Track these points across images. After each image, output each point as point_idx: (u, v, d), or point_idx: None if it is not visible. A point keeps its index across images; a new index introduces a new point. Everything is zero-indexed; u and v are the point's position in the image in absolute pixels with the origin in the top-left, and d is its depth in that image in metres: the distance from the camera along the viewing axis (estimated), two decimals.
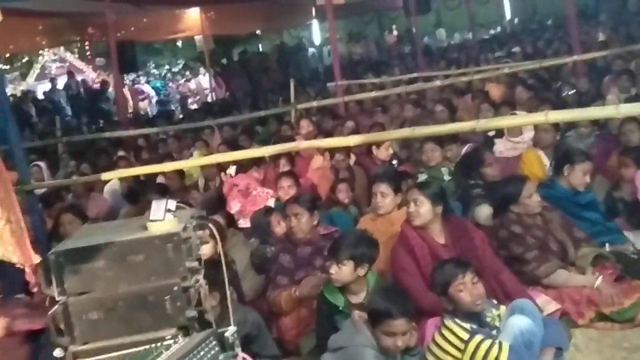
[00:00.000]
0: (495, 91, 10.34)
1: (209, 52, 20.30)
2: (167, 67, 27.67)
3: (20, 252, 2.74)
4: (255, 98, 17.61)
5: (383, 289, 4.34)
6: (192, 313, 2.67)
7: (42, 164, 9.48)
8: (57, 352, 2.62)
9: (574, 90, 9.46)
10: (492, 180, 6.07)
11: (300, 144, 6.97)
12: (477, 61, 16.12)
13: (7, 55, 20.31)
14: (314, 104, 11.84)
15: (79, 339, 2.64)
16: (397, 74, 15.39)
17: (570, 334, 4.58)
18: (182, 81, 24.70)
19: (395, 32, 28.67)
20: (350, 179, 7.19)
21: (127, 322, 2.65)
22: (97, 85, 21.51)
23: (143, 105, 21.87)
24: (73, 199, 8.55)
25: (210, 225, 3.08)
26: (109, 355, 2.63)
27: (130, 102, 20.74)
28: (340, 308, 4.47)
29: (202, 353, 2.58)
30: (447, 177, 6.82)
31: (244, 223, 7.08)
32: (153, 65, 27.33)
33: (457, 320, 4.09)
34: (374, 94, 11.94)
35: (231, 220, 6.49)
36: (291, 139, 8.34)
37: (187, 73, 24.70)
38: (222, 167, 8.34)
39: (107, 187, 8.92)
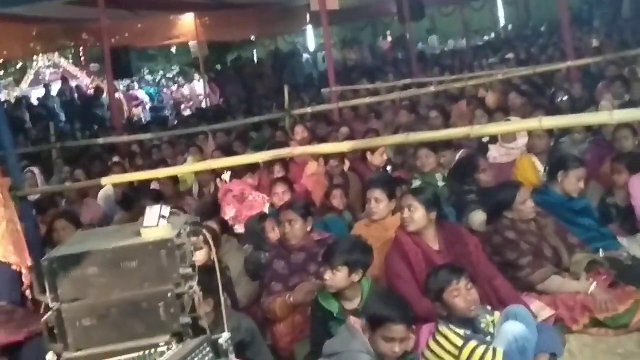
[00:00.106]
0: (491, 99, 10.35)
1: (203, 58, 20.29)
2: (161, 73, 27.65)
3: (19, 254, 2.75)
4: (250, 104, 17.61)
5: (384, 295, 4.35)
6: (186, 320, 2.67)
7: (35, 169, 9.45)
8: (50, 357, 2.62)
9: (568, 97, 9.47)
10: (486, 186, 6.07)
11: (295, 150, 6.97)
12: (472, 67, 16.15)
13: (1, 61, 20.26)
14: (309, 110, 11.85)
15: (73, 345, 2.64)
16: (392, 80, 15.39)
17: (564, 340, 4.58)
18: (175, 87, 24.67)
19: (389, 38, 28.71)
20: (344, 185, 7.19)
21: (120, 328, 2.64)
22: (91, 91, 21.47)
23: (137, 111, 21.84)
24: (67, 205, 8.53)
25: (204, 231, 3.08)
26: None
27: (126, 107, 20.75)
28: (335, 314, 4.46)
29: None
30: (441, 183, 6.82)
31: (240, 228, 7.07)
32: (147, 71, 27.31)
33: (451, 326, 4.09)
34: (368, 100, 11.95)
35: (225, 227, 6.48)
36: (285, 145, 8.33)
37: (181, 79, 24.68)
38: (216, 173, 8.33)
39: (101, 193, 8.90)
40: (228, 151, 9.10)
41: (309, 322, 4.74)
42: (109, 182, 7.87)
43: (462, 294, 4.09)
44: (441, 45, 28.31)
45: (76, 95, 20.99)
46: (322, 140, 8.82)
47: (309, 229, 5.32)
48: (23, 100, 20.36)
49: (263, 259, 5.77)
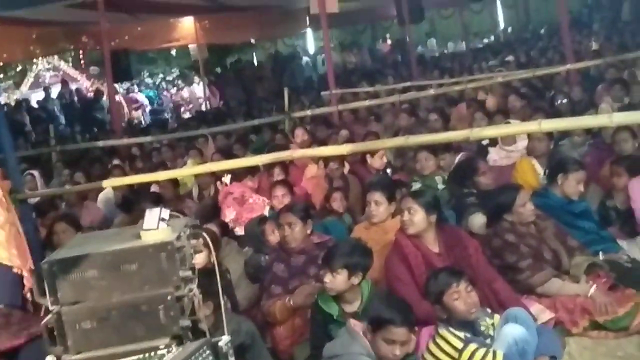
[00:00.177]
0: (491, 101, 10.36)
1: (203, 60, 20.31)
2: (161, 75, 27.65)
3: (22, 257, 2.75)
4: (250, 107, 17.63)
5: (386, 297, 4.35)
6: (185, 322, 2.67)
7: (35, 172, 9.46)
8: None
9: (567, 99, 9.48)
10: (485, 189, 6.07)
11: (294, 153, 6.97)
12: (471, 70, 16.17)
13: (1, 63, 20.27)
14: (308, 112, 11.86)
15: (72, 348, 2.64)
16: (391, 83, 15.41)
17: (564, 342, 4.58)
18: (174, 90, 24.67)
19: (389, 41, 28.73)
20: (344, 188, 7.19)
21: (120, 331, 2.64)
22: (91, 94, 21.47)
23: (137, 114, 21.84)
24: (67, 207, 8.53)
25: (204, 234, 3.08)
26: None
27: (126, 110, 20.76)
28: (335, 317, 4.46)
29: None
30: (441, 186, 6.82)
31: (240, 231, 7.07)
32: (147, 74, 27.31)
33: (451, 329, 4.09)
34: (368, 102, 11.95)
35: (225, 229, 6.48)
36: (285, 147, 8.34)
37: (181, 82, 24.69)
38: (216, 176, 8.33)
39: (100, 196, 8.90)
40: (228, 154, 9.10)
41: (309, 324, 4.74)
42: (109, 185, 7.87)
43: (462, 297, 4.09)
44: (440, 48, 28.32)
45: (76, 98, 20.99)
46: (322, 143, 8.83)
47: (308, 231, 5.31)
48: (23, 103, 20.35)
49: (263, 261, 5.77)
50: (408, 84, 13.57)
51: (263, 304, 5.12)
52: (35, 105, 21.03)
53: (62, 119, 20.17)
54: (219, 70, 24.68)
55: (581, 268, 4.97)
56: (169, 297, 2.64)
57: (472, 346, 4.00)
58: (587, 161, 6.64)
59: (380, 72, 20.21)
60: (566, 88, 10.84)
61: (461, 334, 4.07)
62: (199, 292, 2.79)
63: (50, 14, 13.60)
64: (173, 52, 25.64)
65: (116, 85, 17.77)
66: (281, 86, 14.56)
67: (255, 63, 26.20)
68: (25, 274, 2.79)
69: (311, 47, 27.67)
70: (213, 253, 3.44)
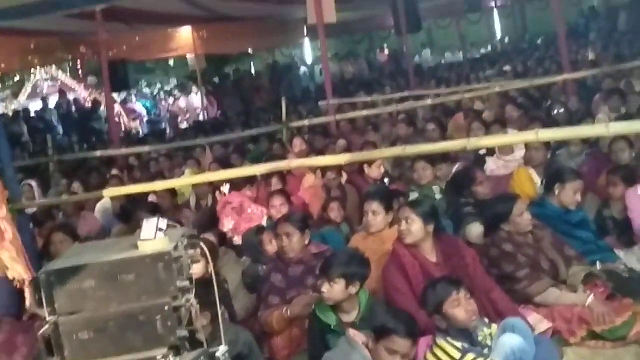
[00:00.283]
0: (488, 114, 10.38)
1: (201, 70, 20.34)
2: (159, 85, 27.69)
3: (24, 266, 2.76)
4: (247, 116, 17.65)
5: (393, 308, 4.35)
6: (183, 333, 2.67)
7: (33, 182, 9.46)
8: None
9: (564, 109, 9.51)
10: (483, 198, 6.07)
11: (292, 163, 6.98)
12: (469, 80, 16.20)
13: None
14: (306, 122, 11.87)
15: (70, 359, 2.63)
16: (389, 93, 15.44)
17: (562, 352, 4.57)
18: (171, 100, 24.69)
19: (386, 51, 28.79)
20: (342, 198, 7.20)
21: (117, 342, 2.64)
22: (89, 104, 21.48)
23: (135, 124, 21.86)
24: (64, 218, 8.52)
25: (202, 244, 3.08)
26: None
27: (126, 120, 20.77)
28: (333, 327, 4.46)
29: None
30: (438, 196, 6.82)
31: (238, 240, 7.07)
32: (145, 84, 27.35)
33: (449, 339, 4.09)
34: (365, 112, 11.97)
35: (223, 239, 6.48)
36: (283, 157, 8.34)
37: (179, 92, 24.70)
38: (214, 185, 8.33)
39: (98, 206, 8.91)
40: (225, 164, 9.11)
41: (307, 335, 4.73)
42: (107, 195, 7.88)
43: (462, 305, 4.09)
44: (437, 58, 28.37)
45: (74, 108, 21.00)
46: (320, 152, 8.83)
47: (306, 242, 5.31)
48: (21, 113, 20.36)
49: (261, 271, 5.76)
50: (406, 93, 13.60)
51: (261, 314, 5.11)
52: (33, 115, 21.04)
53: (60, 129, 20.18)
54: (217, 80, 24.72)
55: (579, 278, 4.97)
56: (166, 308, 2.63)
57: (470, 356, 4.00)
58: (584, 171, 6.65)
59: (377, 82, 20.24)
60: (563, 98, 10.86)
61: (459, 344, 4.07)
62: (196, 302, 2.79)
63: (49, 24, 13.62)
64: (171, 62, 25.67)
65: (114, 95, 17.77)
66: (279, 96, 14.59)
67: (253, 73, 26.24)
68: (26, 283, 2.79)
69: (309, 57, 27.75)
70: (211, 263, 3.43)
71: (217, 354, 2.76)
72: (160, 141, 14.77)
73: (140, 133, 20.66)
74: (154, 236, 2.71)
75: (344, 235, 6.52)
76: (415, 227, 4.79)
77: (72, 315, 2.63)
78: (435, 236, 4.90)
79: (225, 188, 8.23)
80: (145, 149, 12.71)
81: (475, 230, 5.70)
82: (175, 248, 2.71)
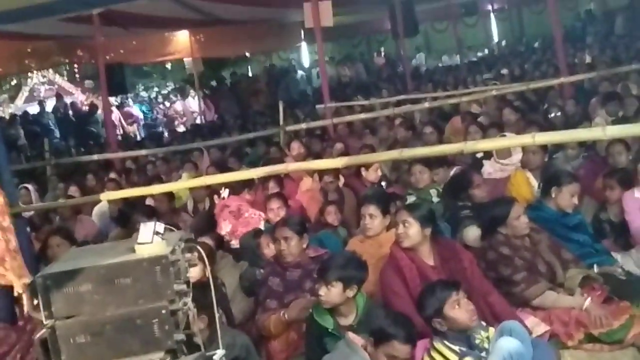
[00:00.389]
0: (483, 118, 10.40)
1: (198, 74, 20.33)
2: (156, 89, 27.67)
3: (23, 270, 2.76)
4: (245, 120, 17.64)
5: (393, 313, 4.35)
6: (180, 336, 2.66)
7: (30, 186, 9.45)
8: None
9: (561, 112, 9.51)
10: (480, 201, 6.08)
11: (289, 166, 6.97)
12: (466, 83, 16.21)
13: None
14: (303, 126, 11.87)
15: None
16: (386, 96, 15.44)
17: (559, 355, 4.58)
18: (167, 104, 24.67)
19: (383, 55, 28.80)
20: (339, 201, 7.20)
21: (114, 345, 2.63)
22: (85, 108, 21.46)
23: (132, 128, 21.84)
24: (61, 221, 8.51)
25: (199, 247, 3.07)
26: None
27: (124, 123, 20.76)
28: (330, 330, 4.46)
29: None
30: (435, 199, 6.83)
31: (236, 244, 7.06)
32: (142, 87, 27.33)
33: (446, 342, 4.09)
34: (362, 115, 11.97)
35: (220, 242, 6.48)
36: (280, 160, 8.34)
37: (177, 95, 24.69)
38: (211, 189, 8.32)
39: (95, 210, 8.90)
40: (223, 167, 9.11)
41: (304, 338, 4.73)
42: (104, 198, 7.87)
43: (462, 305, 4.10)
44: (432, 61, 28.36)
45: (71, 112, 20.97)
46: (317, 156, 8.83)
47: (304, 245, 5.31)
48: (17, 117, 20.32)
49: (258, 275, 5.76)
50: (402, 97, 13.60)
51: (258, 318, 5.11)
52: (30, 119, 21.00)
53: (57, 133, 20.15)
54: (214, 83, 24.72)
55: (576, 281, 4.97)
56: (163, 311, 2.63)
57: (467, 359, 3.99)
58: (581, 174, 6.65)
59: (374, 85, 20.25)
60: (560, 101, 10.87)
61: (456, 347, 4.07)
62: (193, 305, 2.79)
63: (45, 27, 13.60)
64: (168, 65, 25.66)
65: (111, 99, 17.75)
66: (276, 99, 14.60)
67: (250, 76, 26.23)
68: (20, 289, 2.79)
69: (306, 60, 27.75)
70: (208, 267, 3.43)
71: (214, 358, 2.76)
72: (157, 144, 14.76)
73: (138, 137, 20.63)
74: (151, 240, 2.71)
75: (341, 238, 6.52)
76: (412, 230, 4.80)
77: (69, 318, 2.63)
78: (432, 239, 4.90)
79: (224, 192, 8.23)
80: (142, 152, 12.69)
81: (473, 233, 5.70)
82: (173, 252, 2.71)
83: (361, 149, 8.60)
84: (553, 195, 5.58)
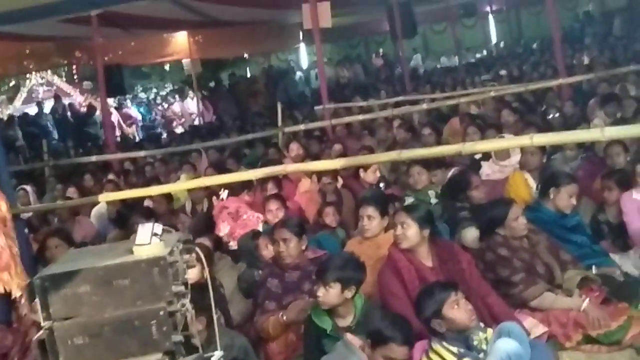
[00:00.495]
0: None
1: (196, 75, 20.33)
2: (154, 90, 27.66)
3: (23, 275, 2.76)
4: (243, 121, 17.64)
5: (390, 314, 4.35)
6: (178, 338, 2.66)
7: (28, 187, 9.44)
8: None
9: (560, 113, 9.52)
10: (478, 203, 6.08)
11: (288, 167, 6.98)
12: (464, 84, 16.22)
13: None
14: (302, 127, 11.87)
15: None
16: (384, 97, 15.44)
17: (557, 356, 4.58)
18: (165, 105, 24.66)
19: (382, 56, 28.81)
20: (337, 202, 7.19)
21: (113, 347, 2.63)
22: (84, 109, 21.45)
23: (131, 130, 21.84)
24: (59, 223, 8.51)
25: (197, 249, 3.07)
26: None
27: (123, 125, 20.75)
28: (328, 332, 4.46)
29: None
30: (434, 200, 6.83)
31: (234, 245, 7.07)
32: (140, 88, 27.32)
33: (444, 343, 4.09)
34: (361, 117, 11.97)
35: (219, 244, 6.48)
36: (279, 162, 8.34)
37: (176, 96, 24.68)
38: (210, 190, 8.32)
39: (93, 211, 8.90)
40: (221, 168, 9.11)
41: (302, 340, 4.73)
42: (103, 200, 7.87)
43: (461, 305, 4.10)
44: (429, 63, 28.36)
45: (69, 113, 20.95)
46: (315, 157, 8.83)
47: (303, 247, 5.31)
48: (16, 118, 20.30)
49: (256, 276, 5.76)
50: (401, 98, 13.61)
51: (256, 320, 5.11)
52: (29, 120, 20.98)
53: (55, 134, 20.14)
54: (212, 84, 24.73)
55: (574, 282, 4.97)
56: (161, 313, 2.63)
57: None
58: (579, 175, 6.66)
59: (373, 86, 20.26)
60: (558, 102, 10.88)
61: (454, 349, 4.07)
62: (191, 307, 2.78)
63: (44, 29, 13.60)
64: (167, 67, 25.66)
65: (109, 100, 17.75)
66: (274, 101, 14.58)
67: (249, 78, 26.23)
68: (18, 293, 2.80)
69: (304, 61, 27.77)
70: (206, 268, 3.42)
71: (213, 359, 2.75)
72: (155, 146, 14.75)
73: (136, 138, 20.63)
74: (149, 241, 2.70)
75: (339, 240, 6.52)
76: (410, 231, 4.80)
77: (67, 320, 2.63)
78: (430, 241, 4.90)
79: (224, 194, 8.23)
80: (140, 153, 12.68)
81: (471, 234, 5.70)
82: (171, 253, 2.70)
83: (360, 150, 8.60)
84: (551, 196, 5.59)
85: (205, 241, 5.96)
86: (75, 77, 23.09)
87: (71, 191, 9.64)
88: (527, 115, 10.08)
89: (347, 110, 13.71)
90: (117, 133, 19.43)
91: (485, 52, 27.81)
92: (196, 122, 20.69)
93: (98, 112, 19.10)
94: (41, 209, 8.38)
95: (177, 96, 24.00)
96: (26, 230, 6.70)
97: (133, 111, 23.55)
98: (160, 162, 11.60)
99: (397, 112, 11.78)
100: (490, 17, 28.42)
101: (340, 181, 7.92)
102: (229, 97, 22.20)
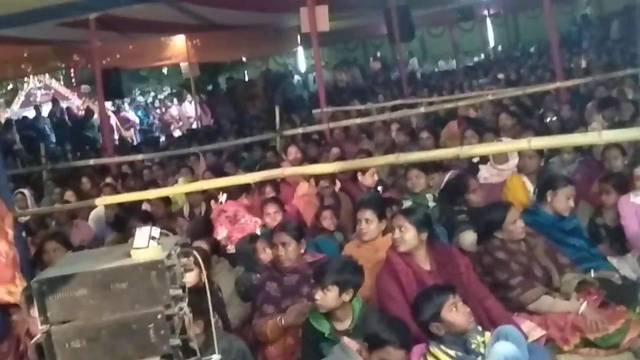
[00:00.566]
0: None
1: (194, 79, 20.34)
2: (152, 94, 27.67)
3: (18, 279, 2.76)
4: (241, 124, 17.64)
5: (387, 318, 4.35)
6: (176, 341, 2.66)
7: (26, 191, 9.43)
8: None
9: (557, 117, 9.53)
10: (476, 206, 6.08)
11: (285, 171, 6.98)
12: (462, 88, 16.24)
13: None
14: (299, 130, 11.88)
15: None
16: (382, 101, 15.46)
17: None
18: (163, 109, 24.67)
19: (379, 59, 28.85)
20: (335, 206, 7.20)
21: (110, 350, 2.63)
22: (82, 113, 21.45)
23: (129, 133, 21.84)
24: (57, 226, 8.50)
25: (195, 252, 3.07)
26: None
27: (121, 129, 20.76)
28: (326, 335, 4.46)
29: None
30: (431, 204, 6.83)
31: (232, 249, 7.06)
32: (138, 92, 27.34)
33: (442, 347, 4.09)
34: (359, 120, 11.98)
35: (216, 247, 6.47)
36: (276, 165, 8.34)
37: (174, 100, 24.70)
38: (207, 194, 8.32)
39: (91, 215, 8.88)
40: (219, 172, 9.10)
41: (300, 343, 4.73)
42: (100, 203, 7.87)
43: (459, 308, 4.11)
44: (430, 66, 28.41)
45: (67, 117, 20.95)
46: (313, 160, 8.83)
47: (302, 250, 5.30)
48: (13, 122, 20.30)
49: (254, 280, 5.75)
50: (399, 101, 13.62)
51: (255, 323, 5.10)
52: (26, 124, 20.97)
53: (53, 138, 20.13)
54: (210, 88, 24.74)
55: (572, 285, 4.98)
56: (159, 316, 2.63)
57: None
58: (577, 178, 6.67)
59: (371, 90, 20.28)
60: (556, 106, 10.89)
61: (452, 352, 4.07)
62: (189, 310, 2.78)
63: (42, 32, 13.60)
64: (164, 70, 25.67)
65: (107, 104, 17.74)
66: (272, 104, 14.60)
67: (247, 81, 26.24)
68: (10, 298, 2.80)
69: (302, 65, 27.78)
70: (204, 271, 3.42)
71: None
72: (153, 149, 14.75)
73: (134, 141, 20.63)
74: (146, 244, 2.70)
75: (337, 243, 6.52)
76: (408, 235, 4.80)
77: (65, 323, 2.62)
78: (428, 244, 4.90)
79: (222, 197, 8.23)
80: (138, 157, 12.68)
81: (469, 238, 5.70)
82: (168, 256, 2.70)
83: (357, 154, 8.60)
84: (549, 199, 5.59)
85: (203, 245, 5.95)
86: (73, 80, 23.10)
87: (69, 195, 9.61)
88: (525, 119, 10.09)
89: (345, 113, 13.71)
90: (115, 136, 19.43)
91: (482, 56, 27.88)
92: (194, 126, 20.71)
93: (96, 116, 19.10)
94: (39, 213, 8.36)
95: (175, 100, 24.00)
96: (24, 234, 6.69)
97: (131, 115, 23.56)
98: (158, 166, 11.58)
99: (394, 116, 11.79)
100: (488, 20, 28.47)
101: (338, 184, 7.92)
102: (227, 100, 22.21)
